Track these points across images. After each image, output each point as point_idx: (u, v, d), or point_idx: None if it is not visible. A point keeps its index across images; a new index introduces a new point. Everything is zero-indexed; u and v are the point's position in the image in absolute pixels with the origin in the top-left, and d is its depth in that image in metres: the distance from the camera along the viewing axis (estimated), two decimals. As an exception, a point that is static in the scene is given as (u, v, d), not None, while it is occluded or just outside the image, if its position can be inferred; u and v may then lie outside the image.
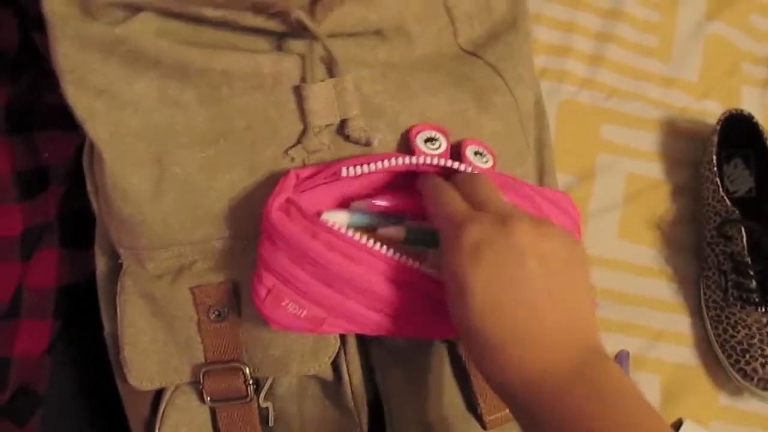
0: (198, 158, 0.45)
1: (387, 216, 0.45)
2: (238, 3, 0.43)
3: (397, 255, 0.42)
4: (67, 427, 0.53)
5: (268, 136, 0.46)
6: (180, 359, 0.46)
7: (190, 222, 0.45)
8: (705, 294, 0.67)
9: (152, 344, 0.46)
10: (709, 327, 0.66)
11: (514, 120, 0.52)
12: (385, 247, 0.42)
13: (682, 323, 0.67)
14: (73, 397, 0.54)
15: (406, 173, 0.46)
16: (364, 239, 0.41)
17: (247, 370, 0.45)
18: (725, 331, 0.64)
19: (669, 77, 0.74)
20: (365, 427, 0.45)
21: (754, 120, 0.66)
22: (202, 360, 0.46)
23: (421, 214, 0.46)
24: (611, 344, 0.65)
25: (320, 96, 0.46)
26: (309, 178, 0.45)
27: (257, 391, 0.46)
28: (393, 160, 0.43)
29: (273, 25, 0.45)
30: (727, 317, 0.64)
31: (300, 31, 0.46)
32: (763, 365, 0.61)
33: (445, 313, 0.42)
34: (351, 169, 0.43)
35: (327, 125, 0.46)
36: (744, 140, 0.68)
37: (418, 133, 0.47)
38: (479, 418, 0.48)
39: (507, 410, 0.47)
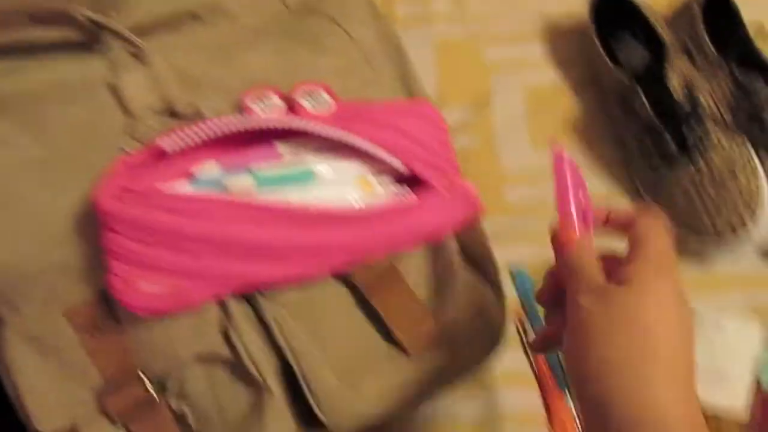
0: (35, 185, 0.44)
1: (238, 171, 0.44)
2: (13, 17, 0.43)
3: (244, 197, 0.40)
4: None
5: (97, 140, 0.45)
6: (81, 389, 0.44)
7: (44, 248, 0.43)
8: (635, 173, 0.64)
9: (50, 384, 0.44)
10: (650, 202, 0.63)
11: (356, 57, 0.51)
12: (231, 195, 0.40)
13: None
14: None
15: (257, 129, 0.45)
16: (208, 193, 0.40)
17: (143, 376, 0.43)
18: (666, 198, 0.61)
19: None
20: (278, 393, 0.43)
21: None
22: (100, 381, 0.43)
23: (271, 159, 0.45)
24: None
25: (134, 84, 0.45)
26: (143, 163, 0.44)
27: (166, 395, 0.44)
28: (215, 126, 0.42)
29: (71, 35, 0.45)
30: (660, 186, 0.61)
31: (99, 31, 0.45)
32: (709, 216, 0.58)
33: (324, 246, 0.40)
34: (171, 141, 0.42)
35: (152, 109, 0.45)
36: (624, 13, 0.66)
37: (247, 96, 0.46)
38: (399, 346, 0.45)
39: (423, 330, 0.45)
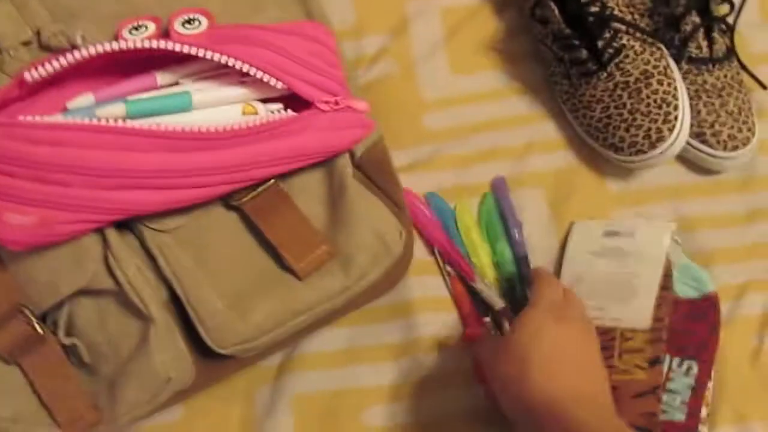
0: None
1: (113, 101, 0.43)
2: None
3: (110, 121, 0.39)
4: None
5: None
6: None
7: None
8: (557, 90, 0.62)
9: None
10: (571, 119, 0.61)
11: None
12: (94, 120, 0.39)
13: (547, 129, 0.62)
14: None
15: (135, 61, 0.43)
16: (74, 120, 0.39)
17: (28, 312, 0.42)
18: (585, 116, 0.59)
19: None
20: (163, 322, 0.42)
21: None
22: (-12, 319, 0.43)
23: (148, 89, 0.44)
24: (479, 176, 0.61)
25: (2, 17, 0.43)
26: (16, 97, 0.43)
27: (55, 331, 0.43)
28: (77, 53, 0.41)
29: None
30: (579, 101, 0.59)
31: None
32: (627, 129, 0.56)
33: (200, 169, 0.39)
34: (34, 71, 0.41)
35: (23, 43, 0.44)
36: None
37: (123, 25, 0.45)
38: (291, 271, 0.44)
39: (315, 253, 0.44)
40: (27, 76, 0.40)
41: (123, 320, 0.43)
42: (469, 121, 0.63)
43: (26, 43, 0.44)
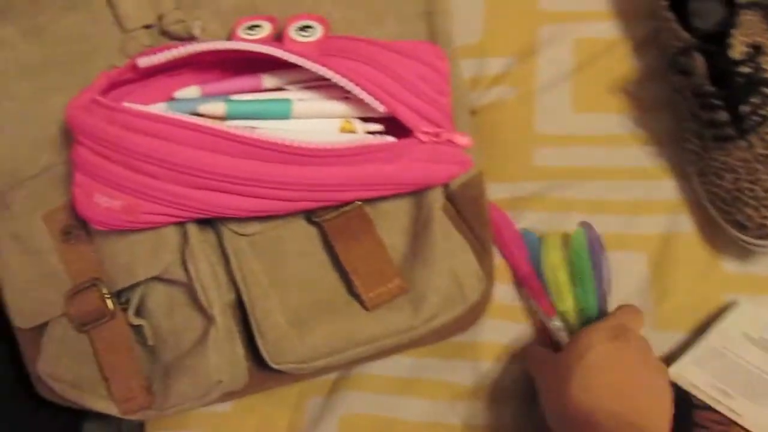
0: (29, 89, 0.45)
1: (217, 97, 0.43)
2: None
3: (207, 122, 0.39)
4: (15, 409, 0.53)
5: (91, 52, 0.45)
6: (53, 291, 0.45)
7: (33, 151, 0.45)
8: (685, 148, 0.56)
9: (27, 283, 0.46)
10: (696, 183, 0.56)
11: None
12: (196, 118, 0.39)
13: (665, 189, 0.57)
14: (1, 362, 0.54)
15: (244, 59, 0.43)
16: (171, 114, 0.39)
17: (103, 287, 0.43)
18: (711, 183, 0.54)
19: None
20: (224, 325, 0.42)
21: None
22: (69, 287, 0.45)
23: (253, 90, 0.43)
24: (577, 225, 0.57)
25: None
26: (128, 80, 0.44)
27: (127, 309, 0.44)
28: (190, 47, 0.41)
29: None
30: (709, 166, 0.54)
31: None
32: (756, 208, 0.50)
33: (290, 183, 0.38)
34: (147, 58, 0.41)
35: (145, 26, 0.45)
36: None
37: (242, 23, 0.44)
38: (359, 299, 0.43)
39: (387, 286, 0.42)
40: (140, 62, 0.41)
41: (189, 313, 0.43)
42: (580, 165, 0.59)
43: (147, 27, 0.45)
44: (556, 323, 0.53)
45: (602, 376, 0.42)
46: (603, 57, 0.61)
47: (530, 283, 0.54)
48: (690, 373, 0.50)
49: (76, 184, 0.40)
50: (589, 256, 0.55)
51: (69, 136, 0.44)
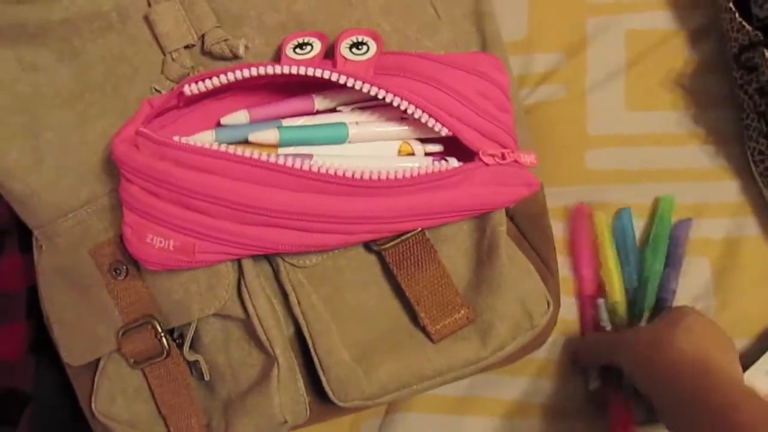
0: (69, 117, 0.43)
1: (267, 123, 0.41)
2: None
3: (264, 156, 0.37)
4: (56, 423, 0.53)
5: (130, 74, 0.43)
6: (104, 327, 0.44)
7: (76, 183, 0.43)
8: (749, 147, 0.54)
9: (77, 318, 0.44)
10: (761, 185, 0.53)
11: None
12: (249, 151, 0.37)
13: (727, 190, 0.54)
14: (59, 391, 0.53)
15: (295, 79, 0.41)
16: (224, 148, 0.37)
17: (157, 324, 0.42)
18: (780, 184, 0.51)
19: None
20: (287, 363, 0.40)
21: None
22: (121, 323, 0.43)
23: (304, 113, 0.41)
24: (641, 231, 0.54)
25: (168, 16, 0.42)
26: (172, 106, 0.41)
27: (181, 344, 0.43)
28: (239, 72, 0.38)
29: (107, -42, 0.42)
30: (778, 168, 0.51)
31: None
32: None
33: (348, 217, 0.36)
34: (194, 85, 0.39)
35: (186, 46, 0.43)
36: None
37: (289, 41, 0.42)
38: (424, 330, 0.41)
39: (454, 317, 0.40)
40: (186, 89, 0.39)
41: (246, 348, 0.42)
42: (636, 166, 0.56)
43: (188, 46, 0.42)
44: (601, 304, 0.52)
45: (706, 330, 0.44)
46: (657, 50, 0.58)
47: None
48: (762, 382, 0.48)
49: (127, 223, 0.38)
50: (671, 226, 0.53)
51: (112, 165, 0.42)
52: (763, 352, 0.50)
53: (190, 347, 0.43)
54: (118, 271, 0.42)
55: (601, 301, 0.52)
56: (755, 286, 0.52)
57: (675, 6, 0.59)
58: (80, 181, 0.43)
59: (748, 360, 0.50)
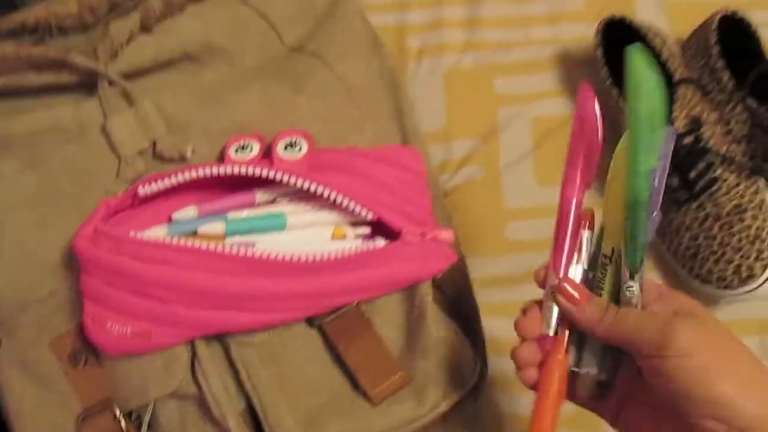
0: (30, 219, 0.47)
1: (214, 216, 0.46)
2: (13, 64, 0.46)
3: (213, 246, 0.41)
4: None
5: (88, 180, 0.47)
6: (63, 415, 0.46)
7: (36, 280, 0.46)
8: (645, 212, 0.61)
9: (36, 408, 0.47)
10: (658, 242, 0.60)
11: (339, 94, 0.52)
12: (199, 242, 0.42)
13: (631, 250, 0.61)
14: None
15: (238, 177, 0.46)
16: (175, 240, 0.42)
17: (116, 408, 0.45)
18: (672, 241, 0.58)
19: (554, 13, 0.71)
20: (240, 435, 0.44)
21: (628, 20, 0.62)
22: (80, 409, 0.46)
23: (247, 206, 0.46)
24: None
25: (123, 126, 0.47)
26: (128, 205, 0.46)
27: (140, 426, 0.45)
28: (187, 173, 0.44)
29: (66, 78, 0.48)
30: (668, 225, 0.58)
31: (93, 75, 0.48)
32: (716, 262, 0.55)
33: (290, 295, 0.41)
34: (147, 186, 0.44)
35: (139, 152, 0.48)
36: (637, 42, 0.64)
37: (232, 144, 0.48)
38: (365, 395, 0.45)
39: (390, 380, 0.45)
40: (140, 190, 0.44)
41: (201, 426, 0.45)
42: (551, 235, 0.62)
43: (141, 152, 0.48)
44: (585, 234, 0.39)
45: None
46: (559, 132, 0.66)
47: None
48: None
49: (87, 314, 0.42)
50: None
51: (71, 262, 0.46)
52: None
53: (148, 428, 0.46)
54: (77, 360, 0.45)
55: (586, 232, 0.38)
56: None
57: (570, 94, 0.67)
58: (40, 278, 0.46)
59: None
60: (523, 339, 0.37)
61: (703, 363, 0.32)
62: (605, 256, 0.37)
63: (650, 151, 0.33)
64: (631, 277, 0.35)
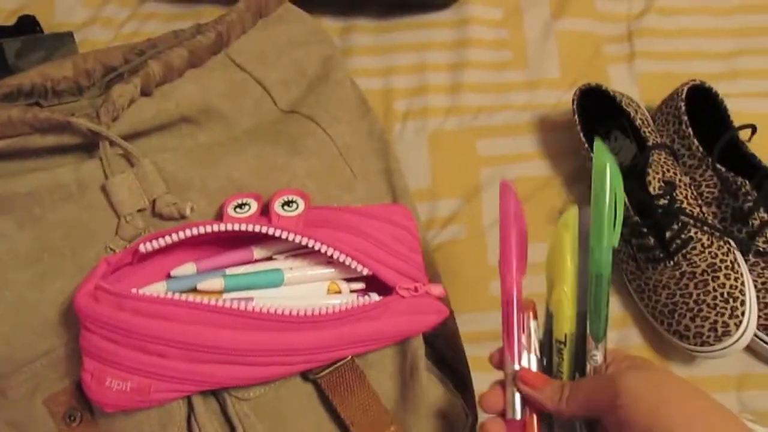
0: (26, 277, 0.47)
1: (212, 272, 0.47)
2: (15, 128, 0.47)
3: (212, 301, 0.42)
4: None
5: (87, 238, 0.48)
6: None
7: (32, 338, 0.47)
8: (623, 268, 0.64)
9: None
10: (636, 300, 0.63)
11: (332, 155, 0.54)
12: (199, 297, 0.43)
13: (613, 305, 0.64)
14: None
15: (236, 234, 0.47)
16: (176, 296, 0.42)
17: (111, 465, 0.45)
18: (650, 298, 0.61)
19: (531, 80, 0.76)
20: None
21: (604, 88, 0.66)
22: (73, 469, 0.45)
23: (245, 263, 0.47)
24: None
25: (123, 186, 0.48)
26: (128, 262, 0.47)
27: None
28: (188, 231, 0.45)
29: (68, 139, 0.49)
30: (646, 284, 0.61)
31: (95, 136, 0.49)
32: (692, 319, 0.57)
33: (288, 349, 0.42)
34: (148, 244, 0.45)
35: (139, 210, 0.49)
36: (612, 112, 0.68)
37: (230, 202, 0.49)
38: (359, 449, 0.45)
39: (384, 433, 0.45)
40: (142, 248, 0.45)
41: (198, 482, 0.45)
42: (533, 292, 0.64)
43: (141, 210, 0.49)
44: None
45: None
46: (539, 192, 0.69)
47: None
48: None
49: (86, 369, 0.42)
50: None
51: (68, 319, 0.46)
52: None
53: (141, 487, 0.45)
54: (72, 418, 0.45)
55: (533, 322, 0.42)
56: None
57: (550, 156, 0.71)
58: (36, 336, 0.46)
59: None
60: (488, 413, 0.42)
61: (653, 403, 0.34)
62: (559, 342, 0.41)
63: (612, 231, 0.39)
64: (596, 347, 0.39)
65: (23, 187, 0.48)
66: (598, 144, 0.39)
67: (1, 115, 0.46)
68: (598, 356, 0.39)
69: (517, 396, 0.41)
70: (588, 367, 0.40)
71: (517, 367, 0.41)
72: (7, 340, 0.46)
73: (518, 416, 0.40)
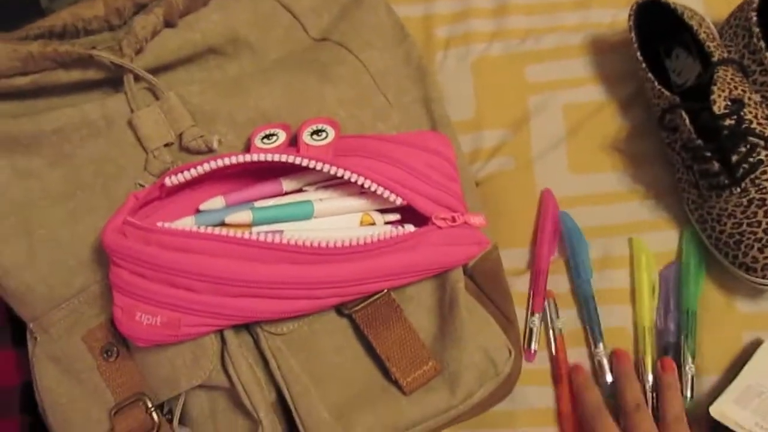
0: (60, 215, 0.47)
1: (241, 206, 0.45)
2: (36, 63, 0.46)
3: (240, 233, 0.41)
4: None
5: (116, 173, 0.47)
6: (97, 409, 0.46)
7: (67, 275, 0.47)
8: (684, 197, 0.59)
9: (71, 403, 0.47)
10: (698, 231, 0.58)
11: (365, 82, 0.51)
12: (227, 231, 0.41)
13: (670, 239, 0.59)
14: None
15: (263, 165, 0.46)
16: (204, 229, 0.41)
17: (147, 400, 0.45)
18: (713, 228, 0.56)
19: (584, -1, 0.70)
20: (270, 426, 0.43)
21: (664, 0, 0.60)
22: (113, 403, 0.46)
23: (274, 195, 0.46)
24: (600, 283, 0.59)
25: (148, 120, 0.47)
26: (156, 197, 0.46)
27: (171, 419, 0.45)
28: (213, 163, 0.43)
29: (93, 74, 0.48)
30: (709, 213, 0.56)
31: (119, 71, 0.48)
32: (761, 250, 0.53)
33: (319, 282, 0.40)
34: (174, 177, 0.44)
35: (166, 144, 0.48)
36: (673, 27, 0.62)
37: (257, 133, 0.47)
38: (396, 384, 0.44)
39: (422, 369, 0.44)
40: (167, 181, 0.44)
41: (231, 416, 0.44)
42: (584, 224, 0.61)
43: (168, 144, 0.47)
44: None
45: None
46: (592, 119, 0.64)
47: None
48: (732, 411, 0.51)
49: (117, 305, 0.42)
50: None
51: (102, 255, 0.46)
52: (730, 383, 0.53)
53: (179, 421, 0.45)
54: (109, 353, 0.45)
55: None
56: (710, 325, 0.56)
57: (604, 80, 0.66)
58: (72, 273, 0.46)
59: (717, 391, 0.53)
60: None
61: None
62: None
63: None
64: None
65: (50, 123, 0.47)
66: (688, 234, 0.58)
67: (20, 51, 0.45)
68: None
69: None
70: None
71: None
72: (44, 279, 0.47)
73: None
